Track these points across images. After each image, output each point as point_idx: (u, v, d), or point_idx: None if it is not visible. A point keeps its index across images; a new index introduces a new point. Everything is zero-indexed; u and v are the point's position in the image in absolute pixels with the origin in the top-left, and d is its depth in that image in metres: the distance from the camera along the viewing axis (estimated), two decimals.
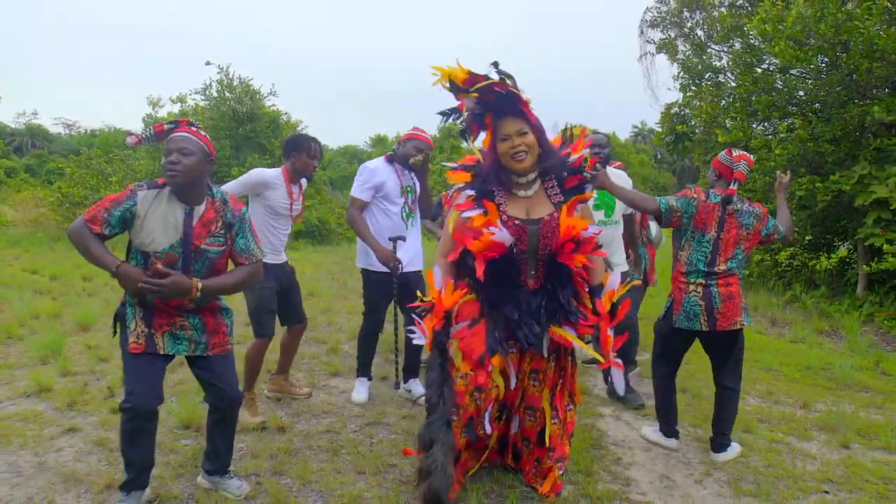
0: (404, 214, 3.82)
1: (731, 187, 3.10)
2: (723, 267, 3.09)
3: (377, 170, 3.77)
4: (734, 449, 3.24)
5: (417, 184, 3.93)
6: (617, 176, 3.89)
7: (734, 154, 3.19)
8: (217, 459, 2.71)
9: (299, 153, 3.56)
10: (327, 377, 4.47)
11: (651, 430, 3.47)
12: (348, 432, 3.41)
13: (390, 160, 3.83)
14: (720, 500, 2.79)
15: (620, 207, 3.98)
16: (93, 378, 4.22)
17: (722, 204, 3.10)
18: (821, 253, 10.04)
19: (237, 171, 15.12)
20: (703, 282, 3.08)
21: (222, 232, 2.47)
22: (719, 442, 3.20)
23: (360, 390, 4.00)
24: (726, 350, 3.18)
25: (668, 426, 3.35)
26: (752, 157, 3.22)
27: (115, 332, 2.48)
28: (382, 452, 3.13)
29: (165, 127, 2.46)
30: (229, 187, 3.43)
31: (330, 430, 3.43)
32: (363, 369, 4.04)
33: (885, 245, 6.41)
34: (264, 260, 3.30)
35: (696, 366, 5.10)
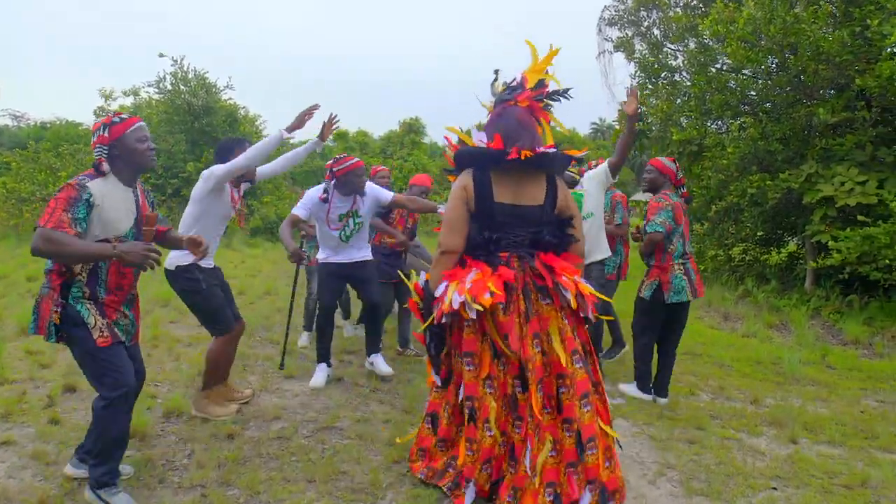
0: (342, 236, 4.22)
1: (684, 191, 4.13)
2: (688, 248, 4.03)
3: (311, 199, 4.20)
4: None
5: (361, 206, 4.23)
6: (589, 177, 4.46)
7: (676, 162, 4.12)
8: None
9: (242, 151, 3.46)
10: (280, 379, 4.36)
11: (629, 387, 4.22)
12: (300, 438, 3.32)
13: (325, 199, 4.13)
14: (673, 500, 2.81)
15: (591, 204, 4.37)
16: (32, 386, 4.01)
17: (686, 203, 4.11)
18: (771, 248, 10.35)
19: (192, 166, 14.72)
20: (682, 262, 3.95)
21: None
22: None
23: (317, 376, 4.26)
24: (685, 318, 4.11)
25: (644, 384, 4.14)
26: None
27: (56, 338, 2.43)
28: (335, 459, 3.06)
29: (115, 121, 2.49)
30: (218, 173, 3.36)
31: (281, 437, 3.33)
32: (322, 356, 4.32)
33: (830, 241, 6.61)
34: (201, 264, 3.42)
35: None
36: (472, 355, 2.61)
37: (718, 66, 9.25)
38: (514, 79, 2.80)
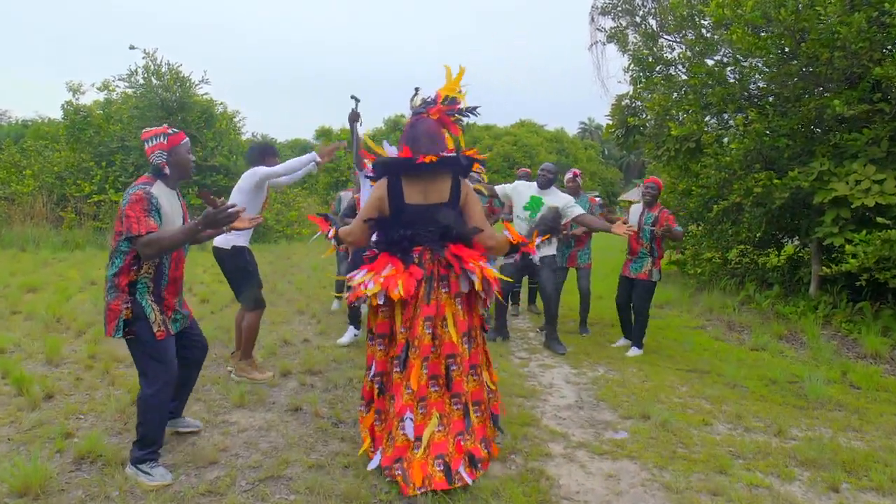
0: None
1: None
2: None
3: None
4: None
5: None
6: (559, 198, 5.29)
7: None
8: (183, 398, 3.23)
9: (274, 157, 4.29)
10: (228, 409, 3.71)
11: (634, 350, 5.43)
12: (235, 493, 2.68)
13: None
14: None
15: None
16: None
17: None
18: (769, 250, 9.81)
19: None
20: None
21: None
22: None
23: (345, 336, 5.27)
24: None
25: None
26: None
27: (123, 333, 2.67)
28: None
29: (170, 132, 2.82)
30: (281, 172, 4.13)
31: (212, 491, 2.69)
32: (351, 320, 5.29)
33: (847, 246, 6.06)
34: (244, 245, 4.10)
35: (656, 383, 4.59)
36: (384, 336, 3.00)
37: (718, 57, 8.70)
38: (429, 95, 3.16)
